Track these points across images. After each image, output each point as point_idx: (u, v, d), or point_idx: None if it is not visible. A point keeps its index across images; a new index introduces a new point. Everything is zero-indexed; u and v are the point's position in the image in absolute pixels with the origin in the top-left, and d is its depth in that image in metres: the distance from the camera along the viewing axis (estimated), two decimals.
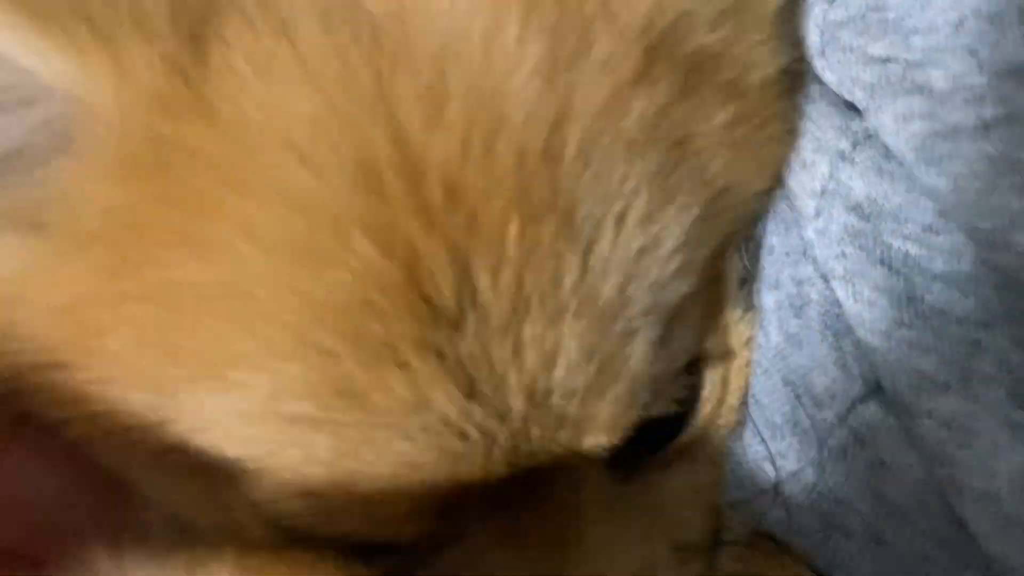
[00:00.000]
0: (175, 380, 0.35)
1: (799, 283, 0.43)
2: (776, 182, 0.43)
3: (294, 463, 0.35)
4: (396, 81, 0.33)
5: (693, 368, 0.42)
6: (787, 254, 0.44)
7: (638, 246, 0.35)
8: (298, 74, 0.33)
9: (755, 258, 0.45)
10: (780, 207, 0.44)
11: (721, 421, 0.45)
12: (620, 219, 0.35)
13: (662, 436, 0.43)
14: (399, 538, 0.37)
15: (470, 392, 0.34)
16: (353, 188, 0.32)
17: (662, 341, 0.37)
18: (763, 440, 0.45)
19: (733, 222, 0.41)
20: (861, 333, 0.39)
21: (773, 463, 0.44)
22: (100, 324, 0.35)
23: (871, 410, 0.40)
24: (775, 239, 0.44)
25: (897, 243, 0.37)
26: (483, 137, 0.33)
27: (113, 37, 0.32)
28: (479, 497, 0.37)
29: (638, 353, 0.36)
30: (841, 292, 0.39)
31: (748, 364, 0.45)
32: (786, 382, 0.44)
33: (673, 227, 0.36)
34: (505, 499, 0.38)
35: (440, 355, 0.33)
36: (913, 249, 0.37)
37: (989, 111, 0.32)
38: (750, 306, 0.45)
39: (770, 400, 0.44)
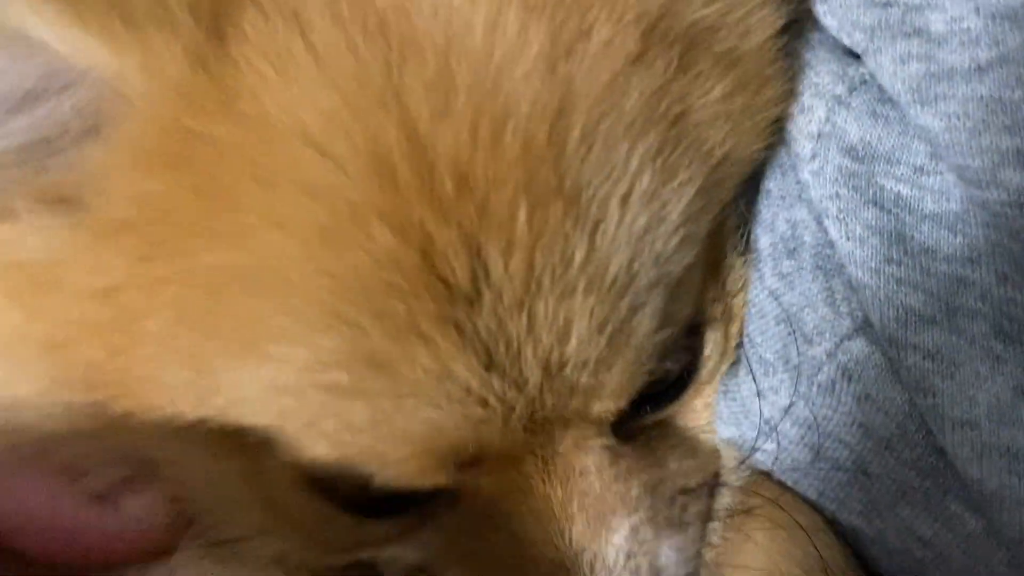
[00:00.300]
0: (214, 357, 0.36)
1: (793, 225, 0.45)
2: (774, 139, 0.44)
3: (331, 431, 0.36)
4: (404, 74, 0.34)
5: (694, 329, 0.44)
6: (783, 197, 0.45)
7: (643, 224, 0.37)
8: (313, 69, 0.34)
9: (751, 202, 0.47)
10: (777, 152, 0.45)
11: (720, 374, 0.46)
12: (624, 199, 0.36)
13: (664, 394, 0.44)
14: (421, 488, 0.38)
15: (489, 364, 0.36)
16: (369, 178, 0.34)
17: (666, 310, 0.38)
18: (755, 377, 0.46)
19: (732, 189, 0.42)
20: (852, 270, 0.40)
21: (765, 399, 0.46)
22: (138, 307, 0.36)
23: (858, 346, 0.42)
24: (771, 183, 0.46)
25: (889, 184, 0.39)
26: (490, 127, 0.34)
27: (142, 27, 0.33)
28: (494, 455, 0.38)
29: (645, 324, 0.37)
30: (834, 231, 0.41)
31: (744, 305, 0.46)
32: (778, 320, 0.45)
33: (676, 203, 0.38)
34: (517, 459, 0.39)
35: (459, 330, 0.35)
36: (904, 190, 0.38)
37: (983, 53, 0.33)
38: (746, 249, 0.46)
39: (763, 338, 0.46)
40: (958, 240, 0.37)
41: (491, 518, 0.40)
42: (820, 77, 0.42)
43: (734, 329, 0.46)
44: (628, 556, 0.40)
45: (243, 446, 0.39)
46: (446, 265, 0.34)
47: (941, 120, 0.36)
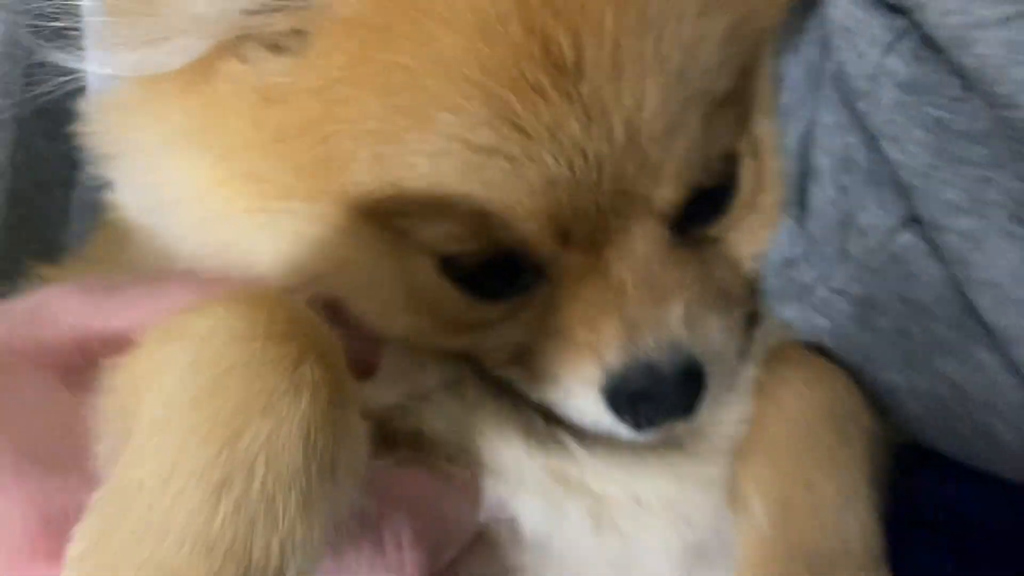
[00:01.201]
0: (397, 129, 0.48)
1: (847, 147, 0.57)
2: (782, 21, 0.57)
3: (474, 189, 0.49)
4: None
5: (730, 158, 0.56)
6: (839, 126, 0.58)
7: (692, 36, 0.50)
8: None
9: (811, 131, 0.60)
10: (829, 93, 0.58)
11: (757, 213, 0.59)
12: (679, 16, 0.49)
13: (711, 211, 0.57)
14: (527, 252, 0.51)
15: (588, 120, 0.48)
16: None
17: (709, 119, 0.51)
18: (817, 269, 0.59)
19: (752, 47, 0.55)
20: (904, 175, 0.53)
21: (824, 284, 0.59)
22: (343, 97, 0.49)
23: (905, 237, 0.55)
24: (828, 117, 0.59)
25: (931, 111, 0.52)
26: None
27: None
28: (585, 229, 0.51)
29: (694, 119, 0.51)
30: (890, 149, 0.54)
31: (779, 171, 0.59)
32: (837, 223, 0.58)
33: (716, 27, 0.51)
34: (599, 244, 0.52)
35: (568, 95, 0.48)
36: (943, 115, 0.51)
37: (1010, 8, 0.46)
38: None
39: (823, 237, 0.59)
40: (985, 151, 0.50)
41: (576, 297, 0.53)
42: (873, 29, 0.54)
43: (764, 167, 0.58)
44: (684, 321, 0.53)
45: (397, 241, 0.51)
46: (559, 50, 0.47)
47: (975, 60, 0.49)
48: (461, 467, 0.54)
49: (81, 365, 0.49)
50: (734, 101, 0.53)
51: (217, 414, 0.38)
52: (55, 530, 0.42)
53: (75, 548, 0.38)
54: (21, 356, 0.49)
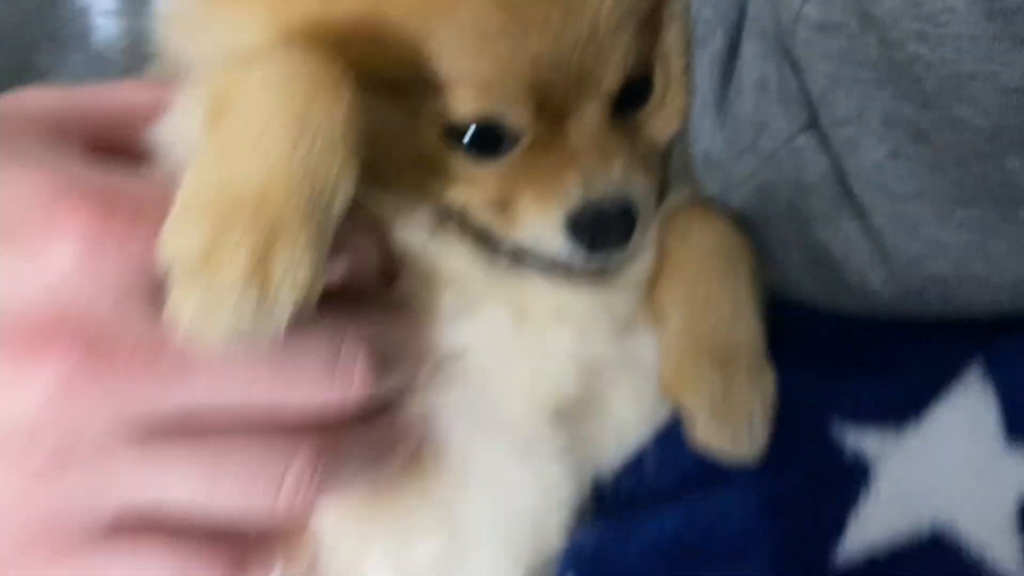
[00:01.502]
0: (428, 19, 0.63)
1: (763, 74, 0.78)
2: None
3: (483, 66, 0.64)
4: None
5: (649, 67, 0.73)
6: (756, 57, 0.78)
7: None
8: None
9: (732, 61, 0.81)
10: (751, 31, 0.79)
11: (666, 107, 0.75)
12: None
13: (633, 104, 0.73)
14: (512, 122, 0.66)
15: (566, 16, 0.64)
16: None
17: (638, 30, 0.69)
18: (731, 158, 0.80)
19: None
20: (814, 95, 0.74)
21: (737, 171, 0.80)
22: None
23: (802, 139, 0.75)
24: (748, 49, 0.79)
25: (834, 45, 0.73)
26: None
27: None
28: (550, 111, 0.67)
29: (629, 27, 0.68)
30: (807, 75, 0.74)
31: (682, 80, 0.75)
32: (753, 127, 0.79)
33: None
34: (562, 117, 0.68)
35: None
36: (843, 47, 0.72)
37: None
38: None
39: (741, 136, 0.79)
40: (871, 74, 0.70)
41: (544, 158, 0.68)
42: None
43: (670, 75, 0.74)
44: (623, 175, 0.69)
45: (411, 113, 0.66)
46: None
47: (880, 9, 0.66)
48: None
49: (64, 138, 0.60)
50: (649, 24, 0.72)
51: (295, 95, 0.58)
52: (76, 193, 0.54)
53: (200, 158, 0.57)
54: (17, 121, 0.59)
